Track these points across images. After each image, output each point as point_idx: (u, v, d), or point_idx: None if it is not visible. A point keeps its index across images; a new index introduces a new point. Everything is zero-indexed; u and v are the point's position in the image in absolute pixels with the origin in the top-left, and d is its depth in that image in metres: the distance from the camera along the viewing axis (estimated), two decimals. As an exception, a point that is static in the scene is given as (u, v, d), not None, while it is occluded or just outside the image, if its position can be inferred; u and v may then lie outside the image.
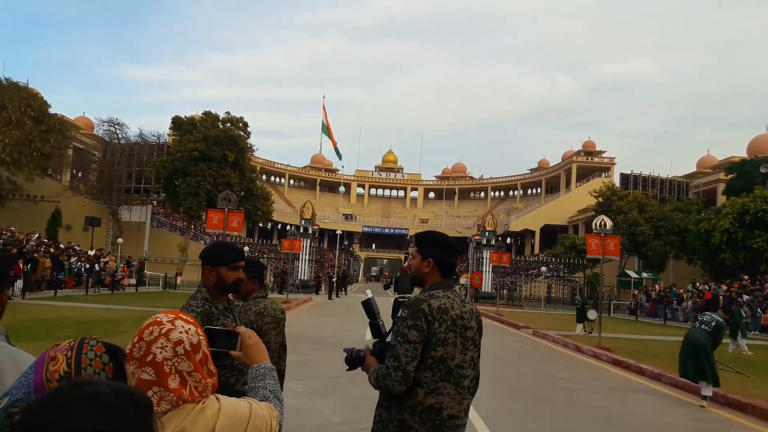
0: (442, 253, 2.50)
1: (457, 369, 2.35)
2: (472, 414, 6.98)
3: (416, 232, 2.69)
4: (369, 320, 2.53)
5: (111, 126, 41.71)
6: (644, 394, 9.08)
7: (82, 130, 47.57)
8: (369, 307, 2.54)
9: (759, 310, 24.03)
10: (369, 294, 2.67)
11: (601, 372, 11.28)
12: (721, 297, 26.12)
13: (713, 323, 8.42)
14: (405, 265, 15.89)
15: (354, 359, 2.51)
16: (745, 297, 24.38)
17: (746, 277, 29.99)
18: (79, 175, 48.31)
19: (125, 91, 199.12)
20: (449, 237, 2.67)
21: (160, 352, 1.38)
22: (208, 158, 37.69)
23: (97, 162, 43.53)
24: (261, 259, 42.62)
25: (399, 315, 2.38)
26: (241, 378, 2.53)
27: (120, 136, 42.18)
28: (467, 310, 2.44)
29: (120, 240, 36.38)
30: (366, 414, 6.74)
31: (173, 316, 1.48)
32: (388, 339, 2.45)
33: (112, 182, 40.47)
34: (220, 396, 1.50)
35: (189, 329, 1.45)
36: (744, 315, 15.81)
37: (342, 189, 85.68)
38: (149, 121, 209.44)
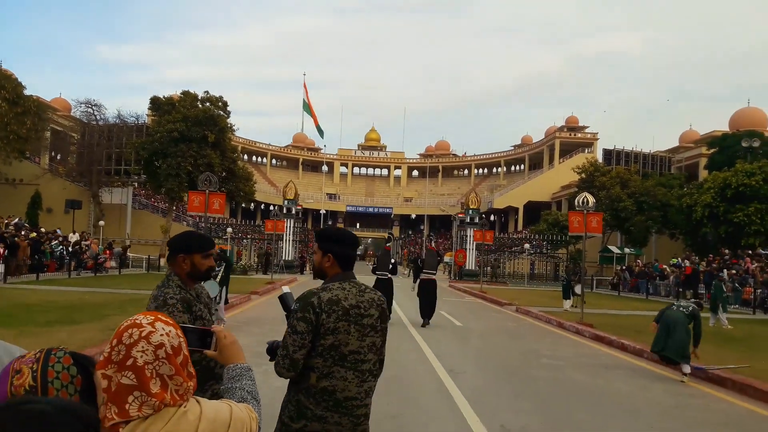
0: (340, 247, 2.67)
1: (353, 355, 2.52)
2: (455, 392, 7.02)
3: (317, 230, 2.90)
4: (285, 314, 2.67)
5: (89, 107, 41.06)
6: (627, 370, 9.18)
7: (59, 112, 46.70)
8: (285, 301, 2.70)
9: (738, 284, 24.40)
10: (285, 289, 2.82)
11: (584, 348, 11.39)
12: (701, 272, 26.55)
13: (690, 308, 8.54)
14: (387, 245, 16.34)
15: (274, 350, 2.63)
16: (726, 272, 24.73)
17: (727, 251, 30.42)
18: (58, 157, 47.57)
19: (102, 72, 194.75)
20: (347, 231, 2.88)
21: (141, 356, 1.34)
22: (187, 139, 37.17)
23: (75, 144, 42.99)
24: (245, 240, 42.58)
25: (292, 308, 2.56)
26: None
27: (98, 117, 41.57)
28: (365, 299, 2.60)
29: (102, 222, 35.92)
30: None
31: (153, 317, 1.43)
32: None
33: (91, 164, 39.95)
34: (200, 399, 1.47)
35: (170, 331, 1.41)
36: (724, 289, 16.00)
37: (325, 168, 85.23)
38: (128, 102, 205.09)
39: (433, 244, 19.33)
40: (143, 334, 1.36)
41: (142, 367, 1.33)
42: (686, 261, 30.14)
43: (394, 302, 14.83)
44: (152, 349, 1.35)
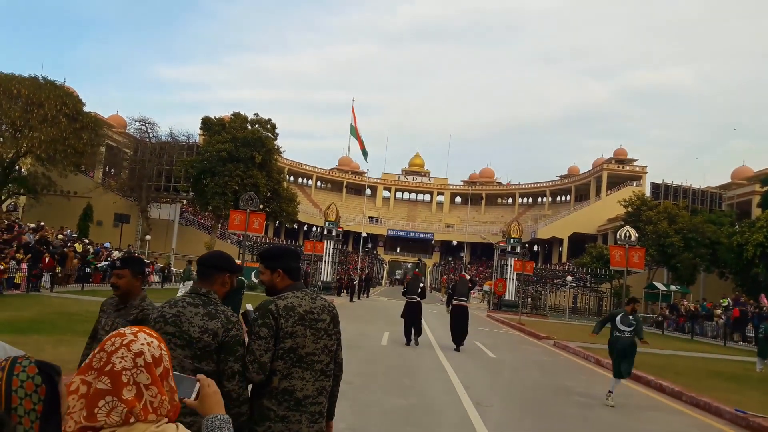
0: (286, 261, 2.86)
1: (309, 356, 2.72)
2: (478, 425, 6.89)
3: (261, 251, 3.04)
4: (246, 329, 2.78)
5: (143, 125, 42.61)
6: (661, 413, 8.84)
7: (114, 128, 48.63)
8: (246, 318, 2.80)
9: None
10: (249, 307, 3.05)
11: (619, 387, 11.02)
12: (750, 312, 25.49)
13: (632, 328, 9.32)
14: (416, 270, 17.19)
15: (248, 319, 2.79)
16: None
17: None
18: (111, 172, 49.30)
19: (158, 91, 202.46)
20: (290, 246, 3.26)
21: (119, 362, 1.35)
22: (235, 159, 38.13)
23: (128, 160, 44.46)
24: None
25: (252, 318, 2.73)
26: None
27: (151, 135, 43.02)
28: (317, 306, 2.81)
29: (148, 237, 37.00)
30: (373, 420, 6.72)
31: (137, 329, 1.46)
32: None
33: (142, 180, 41.31)
34: (180, 426, 1.44)
35: (151, 342, 1.43)
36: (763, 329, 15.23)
37: (368, 192, 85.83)
38: (180, 120, 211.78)
39: (465, 273, 20.02)
40: (125, 342, 1.39)
41: (119, 372, 1.34)
42: (733, 303, 28.98)
43: (425, 325, 15.49)
44: (131, 356, 1.36)
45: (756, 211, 41.97)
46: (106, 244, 30.63)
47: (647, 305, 39.38)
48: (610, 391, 9.08)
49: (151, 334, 1.46)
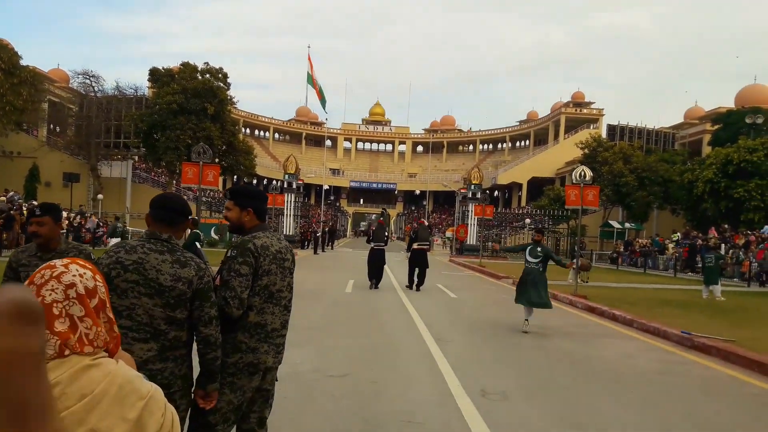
0: (258, 202, 2.99)
1: (279, 293, 2.92)
2: (440, 358, 7.05)
3: (229, 188, 3.15)
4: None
5: (86, 78, 40.71)
6: (614, 339, 9.20)
7: (56, 83, 46.27)
8: (193, 249, 2.84)
9: (738, 256, 24.40)
10: (197, 245, 3.15)
11: (574, 318, 11.42)
12: (698, 245, 26.57)
13: (540, 258, 9.62)
14: (380, 219, 18.17)
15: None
16: (724, 246, 24.75)
17: (727, 226, 30.32)
18: (57, 129, 47.24)
19: (102, 44, 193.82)
20: (259, 188, 3.28)
21: (50, 294, 1.30)
22: (187, 111, 36.93)
23: (73, 116, 42.47)
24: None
25: (228, 255, 2.82)
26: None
27: (96, 89, 41.22)
28: (283, 246, 3.00)
29: (100, 196, 35.94)
30: (337, 362, 6.79)
31: (69, 260, 1.40)
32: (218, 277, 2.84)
33: (90, 137, 39.67)
34: (122, 363, 1.39)
35: (84, 273, 1.37)
36: (718, 262, 15.87)
37: (328, 143, 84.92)
38: (127, 74, 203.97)
39: (424, 220, 21.32)
40: (54, 274, 1.34)
41: (49, 305, 1.29)
42: (683, 237, 30.16)
43: (389, 270, 16.55)
44: (62, 288, 1.32)
45: (706, 149, 43.18)
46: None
47: (603, 243, 40.59)
48: (526, 319, 9.48)
49: (85, 266, 1.40)
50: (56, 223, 3.40)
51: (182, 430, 2.59)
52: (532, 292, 9.42)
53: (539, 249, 9.76)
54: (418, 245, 15.24)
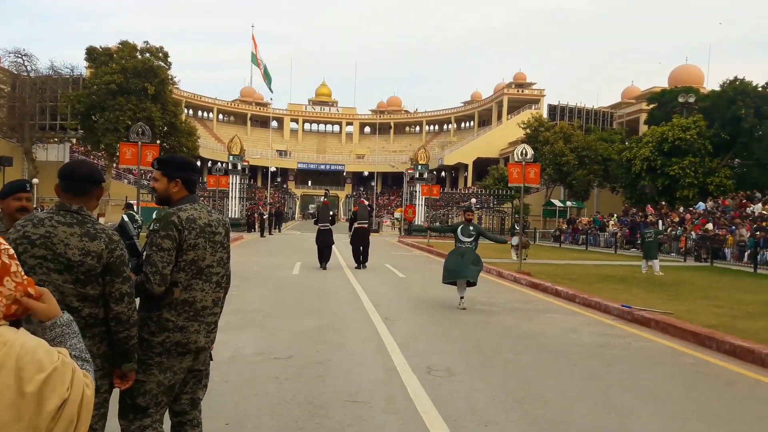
0: (187, 173, 2.82)
1: (208, 268, 2.76)
2: (387, 337, 7.03)
3: (156, 158, 2.90)
4: (126, 241, 2.69)
5: (18, 57, 38.74)
6: (557, 314, 9.41)
7: (-15, 63, 43.85)
8: (123, 229, 2.76)
9: (675, 232, 25.44)
10: (125, 218, 3.02)
11: (519, 295, 11.63)
12: (637, 222, 27.56)
13: (473, 234, 9.57)
14: (324, 199, 18.76)
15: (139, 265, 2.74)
16: (661, 222, 25.75)
17: (664, 203, 31.52)
18: (-14, 111, 44.92)
19: (36, 22, 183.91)
20: (189, 158, 3.11)
21: None
22: (126, 91, 35.59)
23: (5, 97, 40.50)
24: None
25: (151, 228, 2.67)
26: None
27: (29, 68, 39.31)
28: (214, 219, 2.83)
29: (36, 180, 34.19)
30: (282, 345, 6.67)
31: None
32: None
33: (23, 118, 37.92)
34: (23, 331, 1.24)
35: None
36: (655, 237, 16.44)
37: (274, 124, 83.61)
38: (63, 54, 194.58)
39: (363, 200, 22.25)
40: None
41: None
42: (623, 215, 31.19)
43: (336, 250, 16.93)
44: None
45: (643, 128, 44.67)
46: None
47: (545, 221, 41.64)
48: (462, 297, 9.49)
49: None
50: None
51: (107, 412, 2.47)
52: (471, 268, 9.28)
53: (471, 228, 9.68)
54: (358, 224, 15.78)
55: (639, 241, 24.40)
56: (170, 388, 2.71)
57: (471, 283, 9.49)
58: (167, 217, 2.66)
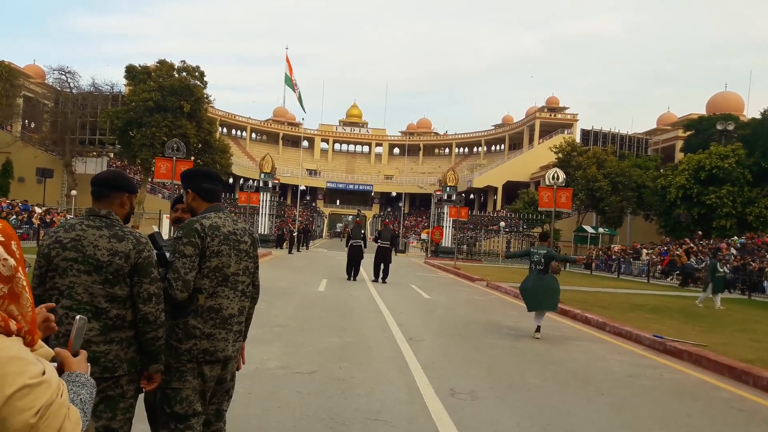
0: (197, 181, 2.85)
1: (234, 276, 2.77)
2: (410, 358, 6.95)
3: (182, 173, 2.95)
4: (156, 251, 2.72)
5: (62, 74, 40.05)
6: (586, 342, 9.21)
7: (32, 79, 45.63)
8: (153, 239, 2.77)
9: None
10: (155, 229, 3.25)
11: (547, 321, 11.36)
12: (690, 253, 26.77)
13: (542, 258, 9.47)
14: (357, 219, 19.65)
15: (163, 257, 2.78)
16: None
17: (699, 232, 30.79)
18: (31, 125, 46.53)
19: (79, 43, 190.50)
20: (206, 168, 3.07)
21: None
22: (163, 108, 36.50)
23: (48, 112, 41.96)
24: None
25: (175, 236, 2.71)
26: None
27: (72, 85, 40.59)
28: (239, 228, 2.86)
29: (74, 192, 35.23)
30: (306, 360, 6.65)
31: None
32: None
33: (65, 133, 39.21)
34: (15, 339, 1.21)
35: None
36: (719, 269, 15.64)
37: (305, 144, 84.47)
38: (104, 73, 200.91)
39: (388, 221, 24.11)
40: None
41: None
42: (665, 253, 30.55)
43: (362, 269, 18.37)
44: None
45: (679, 155, 43.93)
46: (18, 202, 28.95)
47: (577, 247, 40.99)
48: (538, 326, 9.36)
49: None
50: None
51: (133, 417, 2.49)
52: (551, 300, 9.41)
53: (544, 251, 9.68)
54: (381, 243, 17.33)
55: (702, 274, 23.19)
56: (202, 394, 2.72)
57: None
58: (190, 225, 2.70)
